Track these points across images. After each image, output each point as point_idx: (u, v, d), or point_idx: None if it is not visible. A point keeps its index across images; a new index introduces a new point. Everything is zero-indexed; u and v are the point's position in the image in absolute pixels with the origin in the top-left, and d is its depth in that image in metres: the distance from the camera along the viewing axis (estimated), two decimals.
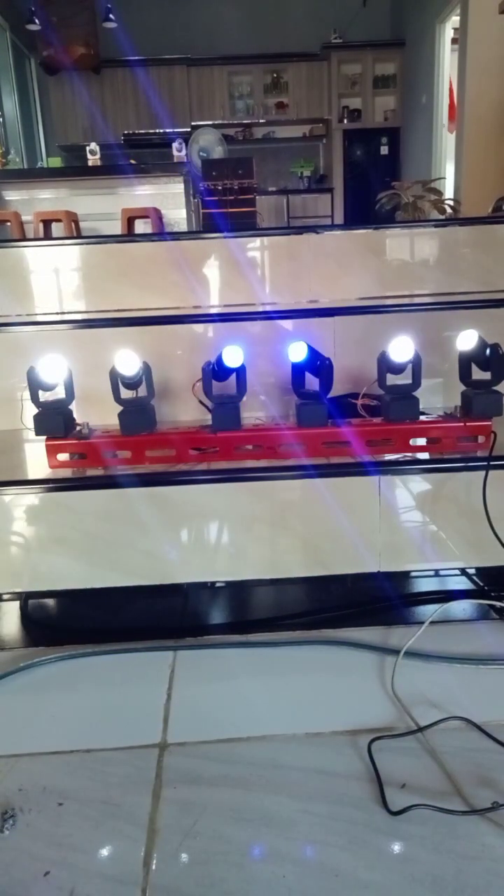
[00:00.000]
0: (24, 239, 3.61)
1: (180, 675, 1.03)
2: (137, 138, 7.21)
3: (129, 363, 1.19)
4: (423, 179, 4.22)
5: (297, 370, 1.27)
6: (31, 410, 1.22)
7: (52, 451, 1.22)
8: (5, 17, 6.40)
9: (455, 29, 5.58)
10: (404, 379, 1.22)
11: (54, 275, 1.69)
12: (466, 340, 1.21)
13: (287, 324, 1.53)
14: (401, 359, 1.19)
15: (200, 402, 1.34)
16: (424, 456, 1.22)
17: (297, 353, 1.23)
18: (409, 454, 1.22)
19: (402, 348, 1.19)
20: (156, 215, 3.87)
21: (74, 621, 1.26)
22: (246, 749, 0.86)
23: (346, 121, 7.40)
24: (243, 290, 1.70)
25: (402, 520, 1.17)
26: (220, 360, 1.20)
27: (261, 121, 7.59)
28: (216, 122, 7.09)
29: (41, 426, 1.20)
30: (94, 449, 1.22)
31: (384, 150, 7.40)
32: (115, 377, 1.21)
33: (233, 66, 7.31)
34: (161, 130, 7.14)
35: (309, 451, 1.21)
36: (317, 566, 1.18)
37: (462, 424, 1.22)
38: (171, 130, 6.77)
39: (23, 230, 3.86)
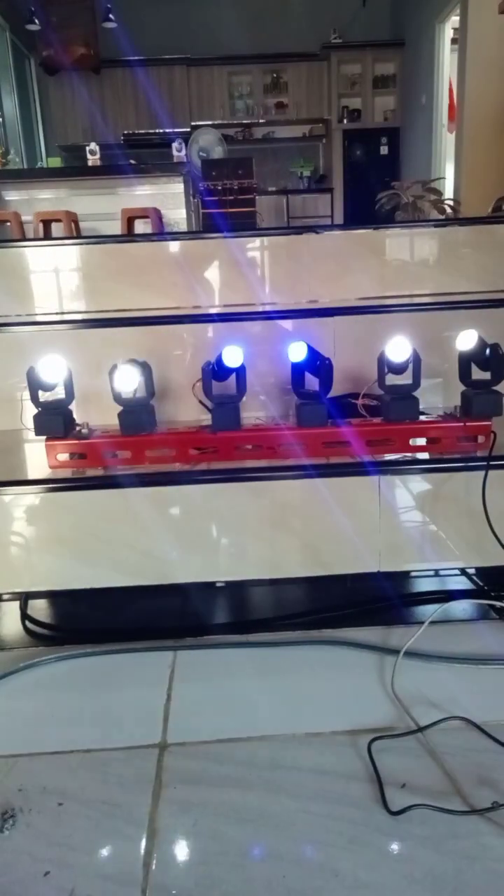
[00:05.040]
0: (24, 239, 3.60)
1: (180, 675, 1.03)
2: (137, 138, 7.21)
3: (128, 379, 1.18)
4: (423, 179, 4.22)
5: (297, 370, 1.27)
6: (31, 410, 1.22)
7: (51, 452, 1.22)
8: (5, 17, 6.39)
9: (455, 29, 5.58)
10: (404, 379, 1.22)
11: (54, 275, 1.69)
12: (466, 340, 1.21)
13: (287, 324, 1.53)
14: (399, 358, 1.19)
15: (200, 402, 1.34)
16: (424, 456, 1.22)
17: (297, 353, 1.23)
18: (409, 454, 1.22)
19: (399, 348, 1.19)
20: (155, 215, 3.86)
21: (74, 621, 1.26)
22: (246, 749, 0.86)
23: (345, 121, 7.40)
24: (243, 290, 1.70)
25: (402, 520, 1.17)
26: (219, 360, 1.20)
27: (260, 121, 7.59)
28: (216, 122, 7.08)
29: (41, 426, 1.20)
30: (93, 449, 1.22)
31: (384, 150, 7.40)
32: (113, 378, 1.21)
33: (232, 66, 7.31)
34: (161, 130, 7.13)
35: (309, 451, 1.21)
36: (317, 566, 1.18)
37: (462, 424, 1.22)
38: (170, 130, 6.77)
39: (23, 230, 3.86)
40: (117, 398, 1.21)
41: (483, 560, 1.19)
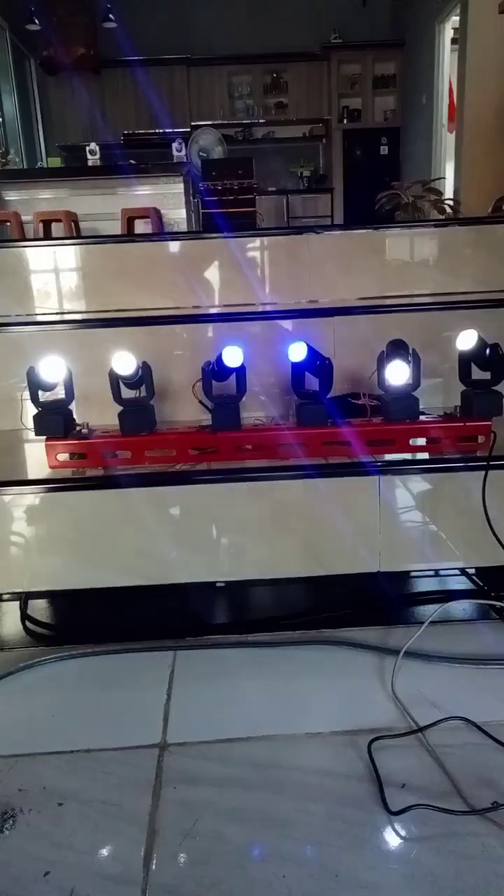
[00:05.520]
0: (24, 239, 3.60)
1: (180, 675, 1.03)
2: (137, 138, 7.20)
3: (126, 363, 1.18)
4: (423, 179, 4.21)
5: (297, 370, 1.27)
6: (31, 410, 1.22)
7: (51, 452, 1.22)
8: (5, 17, 6.39)
9: (455, 29, 5.58)
10: (404, 379, 1.22)
11: (54, 275, 1.69)
12: (466, 340, 1.21)
13: (287, 324, 1.53)
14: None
15: (200, 402, 1.34)
16: (424, 456, 1.22)
17: (297, 353, 1.23)
18: (409, 454, 1.22)
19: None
20: (155, 215, 3.86)
21: (75, 621, 1.26)
22: (246, 749, 0.86)
23: (345, 121, 7.40)
24: (243, 291, 1.70)
25: (402, 520, 1.17)
26: (219, 360, 1.20)
27: (260, 121, 7.59)
28: (216, 123, 7.08)
29: (41, 426, 1.20)
30: (93, 449, 1.22)
31: (384, 150, 7.40)
32: (114, 377, 1.21)
33: (232, 66, 7.31)
34: (161, 130, 7.13)
35: (309, 451, 1.21)
36: (317, 566, 1.18)
37: (462, 424, 1.22)
38: (170, 130, 6.76)
39: (22, 230, 3.85)
40: (115, 386, 1.20)
41: (483, 560, 1.19)
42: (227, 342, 1.19)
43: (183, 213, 4.23)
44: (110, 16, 6.52)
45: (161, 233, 3.63)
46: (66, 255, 1.68)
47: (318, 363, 1.22)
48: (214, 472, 1.18)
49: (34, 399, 1.20)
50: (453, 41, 5.72)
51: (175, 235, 1.82)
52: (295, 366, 1.26)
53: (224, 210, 3.97)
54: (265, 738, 0.88)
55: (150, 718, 0.93)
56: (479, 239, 1.71)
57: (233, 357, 1.18)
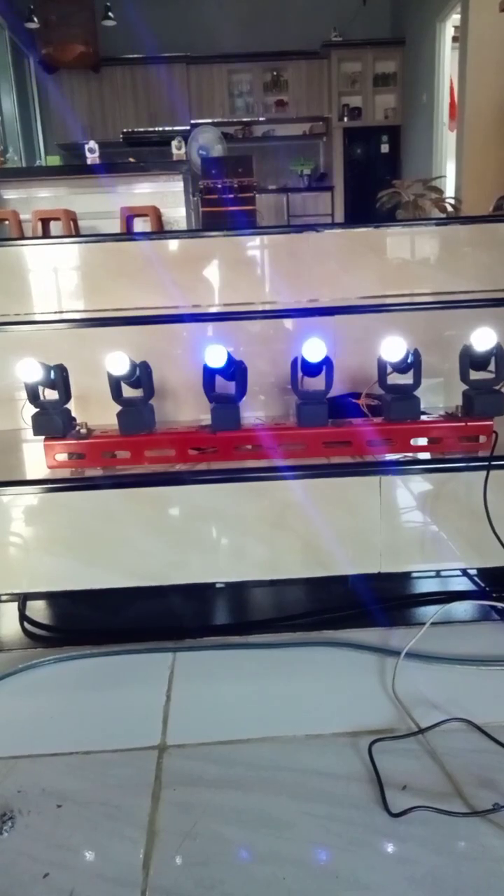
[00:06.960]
0: (23, 238, 3.60)
1: (180, 676, 1.03)
2: (137, 137, 7.20)
3: (120, 363, 1.17)
4: (424, 178, 4.21)
5: (297, 369, 1.26)
6: (30, 409, 1.21)
7: (50, 451, 1.21)
8: (4, 16, 6.38)
9: (455, 27, 5.58)
10: (405, 378, 1.22)
11: (53, 274, 1.69)
12: (485, 339, 1.17)
13: (287, 323, 1.52)
14: (395, 358, 1.18)
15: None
16: (425, 456, 1.22)
17: (315, 352, 1.19)
18: (410, 454, 1.21)
19: (396, 347, 1.17)
20: (155, 214, 3.86)
21: (74, 622, 1.26)
22: (246, 750, 0.86)
23: (346, 119, 7.39)
24: (243, 290, 1.70)
25: (403, 520, 1.16)
26: (205, 363, 1.19)
27: (260, 119, 7.59)
28: (216, 121, 7.08)
29: (40, 426, 1.20)
30: (92, 449, 1.21)
31: (384, 148, 7.40)
32: (113, 379, 1.20)
33: (232, 64, 7.31)
34: (160, 129, 7.13)
35: (309, 451, 1.21)
36: (317, 566, 1.17)
37: (463, 424, 1.22)
38: (170, 129, 6.77)
39: (21, 229, 3.86)
40: (114, 386, 1.19)
41: (484, 561, 1.19)
42: (228, 341, 1.19)
43: (182, 211, 4.24)
44: (110, 14, 6.53)
45: (160, 231, 3.63)
46: (65, 254, 1.68)
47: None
48: (214, 472, 1.17)
49: (32, 399, 1.19)
50: (454, 39, 5.72)
51: (175, 234, 1.82)
52: (294, 365, 1.25)
53: (224, 208, 3.97)
54: (265, 739, 0.88)
55: (150, 720, 0.93)
56: (481, 238, 1.71)
57: (215, 357, 1.17)
